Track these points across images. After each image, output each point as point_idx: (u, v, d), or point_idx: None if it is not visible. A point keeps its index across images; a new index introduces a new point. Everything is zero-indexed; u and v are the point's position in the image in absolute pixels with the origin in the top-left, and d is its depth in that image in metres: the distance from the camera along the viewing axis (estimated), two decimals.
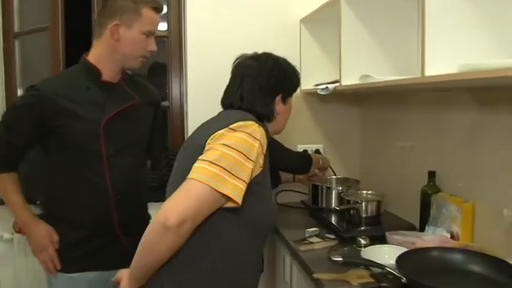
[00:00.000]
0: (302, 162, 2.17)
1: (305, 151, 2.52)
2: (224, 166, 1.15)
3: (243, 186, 1.18)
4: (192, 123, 2.48)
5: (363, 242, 1.68)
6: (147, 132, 1.78)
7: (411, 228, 1.87)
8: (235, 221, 1.26)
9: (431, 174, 1.84)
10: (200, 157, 1.20)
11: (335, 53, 2.12)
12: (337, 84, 1.94)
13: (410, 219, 1.96)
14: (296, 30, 2.51)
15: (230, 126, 1.24)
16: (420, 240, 1.64)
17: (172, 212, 1.10)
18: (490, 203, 1.59)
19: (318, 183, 2.21)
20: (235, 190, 1.16)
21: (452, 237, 1.68)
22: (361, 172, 2.61)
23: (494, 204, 1.56)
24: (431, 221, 1.77)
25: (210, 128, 1.30)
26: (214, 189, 1.14)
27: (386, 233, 1.71)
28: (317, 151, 2.54)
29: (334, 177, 2.38)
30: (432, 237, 1.65)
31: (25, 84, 2.76)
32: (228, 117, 1.31)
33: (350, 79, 1.88)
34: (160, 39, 2.87)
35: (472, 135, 1.67)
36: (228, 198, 1.17)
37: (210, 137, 1.24)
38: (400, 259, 1.30)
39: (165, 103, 2.84)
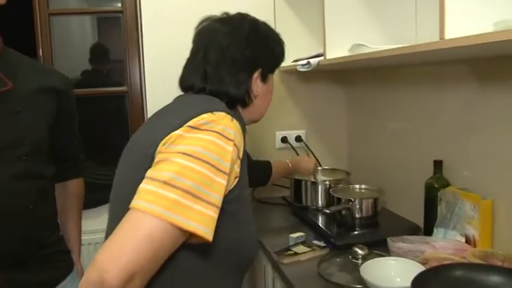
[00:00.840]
0: (256, 173, 1.68)
1: (284, 138, 2.19)
2: (185, 188, 0.79)
3: (214, 214, 0.82)
4: (153, 111, 2.11)
5: (360, 252, 1.36)
6: (42, 128, 1.29)
7: (415, 230, 1.56)
8: (206, 258, 0.90)
9: (438, 164, 1.52)
10: (148, 173, 0.83)
11: (316, 23, 1.80)
12: (321, 58, 1.60)
13: (413, 218, 1.64)
14: None
15: (190, 123, 0.87)
16: (430, 248, 1.33)
17: (112, 266, 0.72)
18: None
19: (300, 178, 1.87)
20: (204, 222, 0.79)
21: (468, 241, 1.38)
22: (350, 161, 2.29)
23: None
24: (440, 222, 1.46)
25: (161, 125, 0.92)
26: (172, 224, 0.77)
27: (388, 240, 1.39)
28: (298, 138, 2.21)
29: (319, 168, 2.05)
30: (444, 244, 1.34)
31: None
32: (187, 108, 0.94)
33: (336, 52, 1.53)
34: (114, 14, 2.48)
35: (482, 115, 1.36)
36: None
37: (162, 141, 0.87)
38: (417, 284, 0.98)
39: (122, 88, 2.47)
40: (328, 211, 1.52)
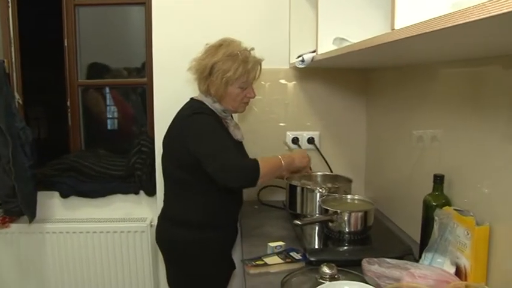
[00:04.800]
0: (237, 175, 1.52)
1: (295, 139, 2.06)
2: None
3: None
4: (159, 101, 2.08)
5: (327, 271, 1.21)
6: None
7: (407, 252, 1.37)
8: None
9: (438, 179, 1.32)
10: None
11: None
12: (314, 54, 1.45)
13: (416, 237, 1.44)
14: None
15: None
16: (408, 276, 1.15)
17: None
18: None
19: (295, 183, 1.73)
20: None
21: (459, 272, 1.17)
22: (368, 170, 2.10)
23: None
24: (430, 246, 1.26)
25: None
26: None
27: (363, 261, 1.23)
28: (310, 140, 2.06)
29: (320, 173, 1.88)
30: (426, 272, 1.15)
31: None
32: None
33: (329, 47, 1.38)
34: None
35: None
36: None
37: None
38: None
39: (143, 80, 2.46)
40: (299, 223, 1.38)
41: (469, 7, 0.59)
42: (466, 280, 1.15)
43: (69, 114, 2.46)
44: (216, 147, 1.54)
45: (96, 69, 2.55)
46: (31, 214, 2.20)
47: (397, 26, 0.79)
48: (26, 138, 2.17)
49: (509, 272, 1.07)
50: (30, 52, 2.48)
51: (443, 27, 0.66)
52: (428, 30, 0.70)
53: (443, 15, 0.66)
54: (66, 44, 2.37)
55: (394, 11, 0.79)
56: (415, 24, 0.73)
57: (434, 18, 0.69)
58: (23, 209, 2.17)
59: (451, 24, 0.65)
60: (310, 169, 1.75)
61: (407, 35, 0.76)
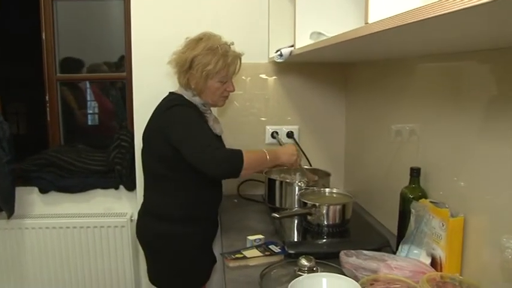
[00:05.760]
0: (221, 164, 1.48)
1: (274, 134, 2.06)
2: None
3: None
4: (139, 95, 2.06)
5: (305, 264, 1.22)
6: None
7: (384, 244, 1.39)
8: None
9: (414, 172, 1.34)
10: None
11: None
12: (292, 48, 1.45)
13: (393, 229, 1.46)
14: None
15: None
16: (385, 267, 1.16)
17: None
18: (489, 221, 1.08)
19: (273, 177, 1.73)
20: None
21: (434, 263, 1.20)
22: (346, 164, 2.12)
23: (494, 225, 1.06)
24: (407, 238, 1.28)
25: None
26: None
27: (341, 253, 1.24)
28: (290, 134, 2.07)
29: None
30: (402, 264, 1.17)
31: None
32: None
33: (307, 41, 1.38)
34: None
35: (491, 125, 1.08)
36: None
37: None
38: None
39: (122, 74, 2.44)
40: (277, 216, 1.38)
41: (440, 0, 0.60)
42: (441, 270, 1.17)
43: (47, 109, 2.42)
44: (197, 137, 1.53)
45: (69, 64, 2.51)
46: (9, 210, 2.17)
47: (370, 20, 0.79)
48: (3, 133, 2.13)
49: (482, 262, 1.10)
50: (8, 47, 2.43)
51: (415, 20, 0.67)
52: (400, 24, 0.71)
53: (415, 9, 0.67)
54: (44, 38, 2.33)
55: (367, 5, 0.80)
56: (387, 18, 0.74)
57: (406, 12, 0.69)
58: (1, 205, 2.14)
59: (422, 18, 0.65)
60: (300, 166, 1.75)
61: (380, 29, 0.76)
